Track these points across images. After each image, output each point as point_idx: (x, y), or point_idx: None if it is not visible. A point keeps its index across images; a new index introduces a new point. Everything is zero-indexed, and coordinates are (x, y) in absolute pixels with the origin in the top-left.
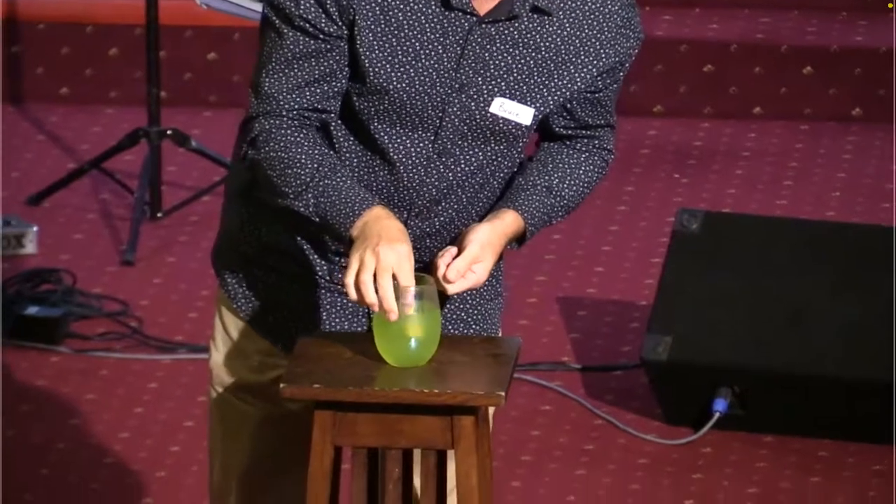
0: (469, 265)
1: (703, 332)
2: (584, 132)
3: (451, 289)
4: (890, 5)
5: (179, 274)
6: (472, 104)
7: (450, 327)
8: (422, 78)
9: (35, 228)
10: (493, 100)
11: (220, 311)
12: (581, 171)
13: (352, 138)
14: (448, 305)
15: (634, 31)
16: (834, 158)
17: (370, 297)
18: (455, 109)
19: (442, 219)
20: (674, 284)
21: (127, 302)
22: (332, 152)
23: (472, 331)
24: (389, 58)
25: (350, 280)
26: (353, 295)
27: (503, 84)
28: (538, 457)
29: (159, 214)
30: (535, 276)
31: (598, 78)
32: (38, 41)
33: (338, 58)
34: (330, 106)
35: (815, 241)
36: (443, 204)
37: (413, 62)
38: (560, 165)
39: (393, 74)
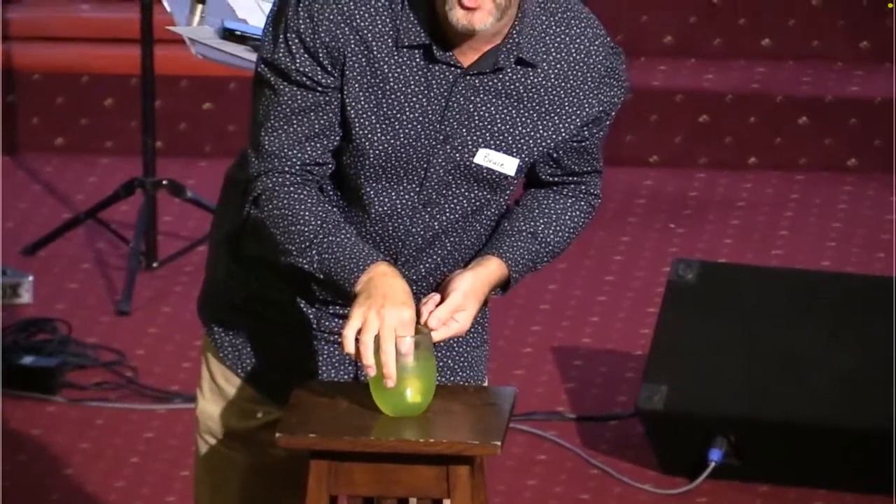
0: (451, 314)
1: (698, 381)
2: (570, 178)
3: (434, 336)
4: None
5: (175, 324)
6: (457, 155)
7: (436, 376)
8: (406, 130)
9: (30, 278)
10: (477, 150)
11: (207, 358)
12: (567, 217)
13: (338, 192)
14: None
15: (619, 80)
16: (829, 208)
17: (369, 360)
18: (440, 161)
19: (427, 265)
20: (669, 334)
21: (122, 351)
22: (335, 209)
23: (458, 378)
24: (375, 109)
25: (350, 334)
26: (349, 349)
27: (487, 135)
28: None
29: (155, 264)
30: (530, 325)
31: (584, 128)
32: (33, 91)
33: (335, 109)
34: (329, 159)
35: (810, 291)
36: (428, 251)
37: (398, 115)
38: (546, 211)
39: (378, 126)
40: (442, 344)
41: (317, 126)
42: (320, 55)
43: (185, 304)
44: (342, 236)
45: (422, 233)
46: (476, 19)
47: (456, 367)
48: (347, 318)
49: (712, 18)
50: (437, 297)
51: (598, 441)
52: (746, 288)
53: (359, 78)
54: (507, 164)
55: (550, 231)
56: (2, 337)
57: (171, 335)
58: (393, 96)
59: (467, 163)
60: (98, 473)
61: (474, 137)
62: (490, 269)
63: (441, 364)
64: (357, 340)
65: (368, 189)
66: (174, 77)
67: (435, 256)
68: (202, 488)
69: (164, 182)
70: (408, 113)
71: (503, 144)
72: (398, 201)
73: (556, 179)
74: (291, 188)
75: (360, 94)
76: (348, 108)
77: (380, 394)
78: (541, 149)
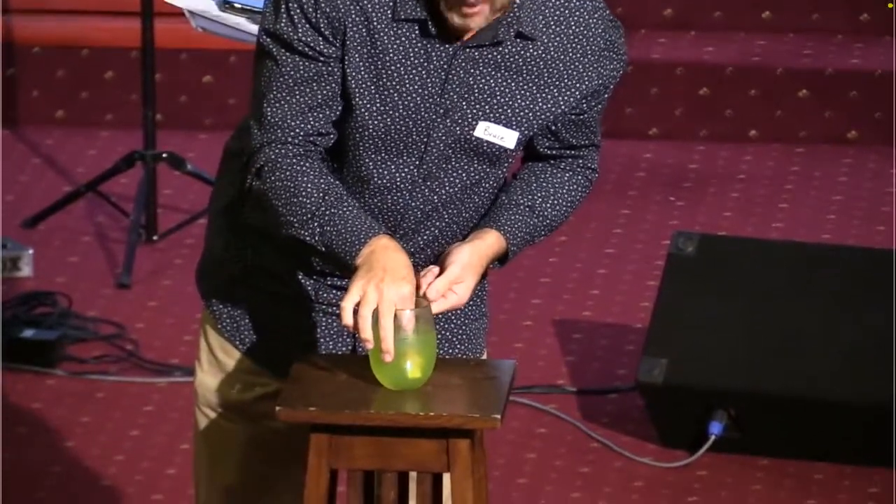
0: (449, 285)
1: (698, 354)
2: (568, 152)
3: (432, 308)
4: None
5: (175, 297)
6: (457, 128)
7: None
8: (405, 102)
9: (30, 251)
10: (477, 123)
11: (206, 331)
12: (564, 191)
13: (335, 165)
14: None
15: (618, 52)
16: (829, 181)
17: (367, 334)
18: (440, 134)
19: (426, 237)
20: (669, 307)
21: (122, 325)
22: (338, 182)
23: (456, 351)
24: (374, 80)
25: (348, 306)
26: (347, 321)
27: (487, 108)
28: (534, 480)
29: (155, 237)
30: (530, 299)
31: (583, 101)
32: (33, 65)
33: (337, 80)
34: (332, 129)
35: (810, 264)
36: (426, 223)
37: (398, 87)
38: (543, 185)
39: (377, 97)
40: (440, 316)
41: (319, 96)
42: (321, 25)
43: (185, 277)
44: (344, 209)
45: (421, 206)
46: (472, 22)
47: (455, 339)
48: (346, 290)
49: None
50: (435, 269)
51: (599, 414)
52: (747, 261)
53: (359, 48)
54: (506, 138)
55: (548, 205)
56: (2, 310)
57: (171, 308)
58: (392, 68)
59: (467, 136)
60: (98, 446)
61: (474, 110)
62: (488, 242)
63: (440, 337)
64: (356, 313)
65: (368, 161)
66: (174, 50)
67: (433, 229)
68: (201, 460)
69: (165, 155)
70: (407, 85)
71: (503, 117)
72: (398, 174)
73: (553, 152)
74: (294, 160)
75: (361, 64)
76: (349, 78)
77: (379, 367)
78: (540, 121)
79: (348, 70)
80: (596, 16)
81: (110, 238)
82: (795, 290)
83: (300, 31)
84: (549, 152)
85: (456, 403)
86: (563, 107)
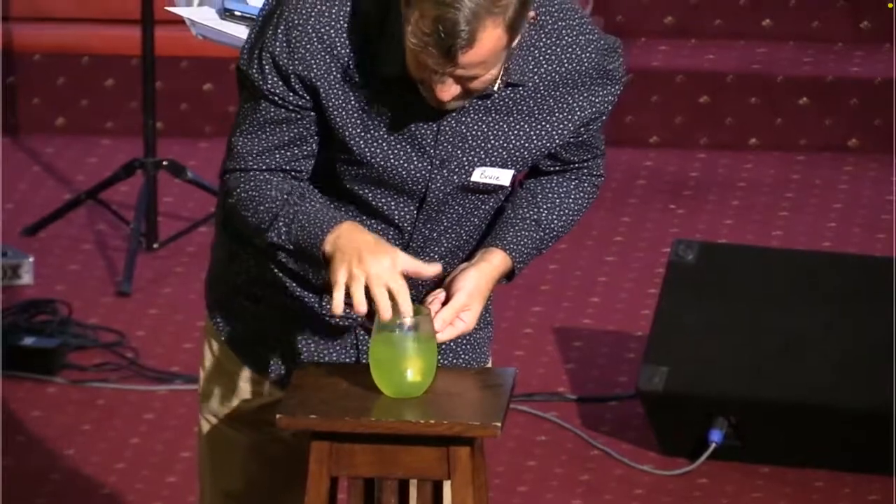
0: (456, 314)
1: (699, 362)
2: (572, 166)
3: (440, 337)
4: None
5: (175, 305)
6: (455, 177)
7: (439, 357)
8: (398, 155)
9: (31, 259)
10: (473, 170)
11: (209, 340)
12: (570, 200)
13: (333, 196)
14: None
15: (612, 78)
16: (830, 189)
17: (363, 304)
18: (438, 185)
19: (441, 249)
20: (670, 315)
21: (123, 332)
22: (304, 184)
23: (461, 360)
24: (363, 134)
25: (338, 296)
26: (338, 310)
27: (483, 153)
28: (534, 487)
29: (155, 245)
30: (530, 306)
31: (580, 129)
32: (33, 72)
33: (307, 124)
34: (300, 166)
35: (810, 272)
36: (426, 249)
37: (391, 141)
38: (549, 196)
39: (375, 150)
40: None
41: (286, 137)
42: (292, 80)
43: (185, 285)
44: (307, 204)
45: (424, 231)
46: (449, 107)
47: (459, 349)
48: (332, 284)
49: None
50: (441, 295)
51: (599, 422)
52: (747, 269)
53: (344, 105)
54: (502, 177)
55: (554, 216)
56: (2, 318)
57: (171, 316)
58: (379, 120)
59: (465, 182)
60: (98, 454)
61: (470, 157)
62: (494, 264)
63: (444, 347)
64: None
65: (368, 195)
66: (175, 58)
67: (434, 255)
68: (205, 466)
69: (165, 163)
70: (401, 142)
71: (498, 160)
72: (396, 211)
73: (557, 168)
74: (259, 174)
75: (348, 120)
76: (338, 130)
77: (380, 374)
78: (535, 157)
79: (336, 125)
80: (589, 49)
81: (111, 246)
82: (796, 298)
83: (269, 82)
84: (552, 169)
85: (456, 411)
86: (557, 140)
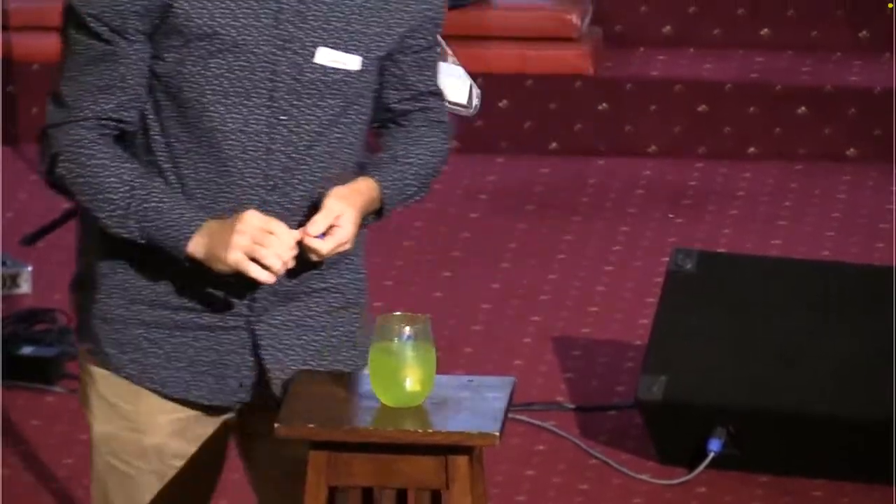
0: (329, 220)
1: (697, 371)
2: (416, 104)
3: (323, 248)
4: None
5: None
6: (298, 58)
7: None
8: (243, 38)
9: (29, 268)
10: (316, 50)
11: (93, 379)
12: (424, 141)
13: (184, 136)
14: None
15: None
16: (828, 198)
17: (278, 267)
18: (284, 68)
19: (300, 191)
20: (668, 324)
21: None
22: (136, 166)
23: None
24: (209, 21)
25: (255, 268)
26: (269, 277)
27: (324, 33)
28: (533, 497)
29: None
30: (529, 316)
31: (412, 33)
32: (33, 81)
33: (132, 65)
34: (127, 117)
35: (809, 281)
36: (296, 173)
37: (232, 23)
38: (400, 139)
39: (214, 38)
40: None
41: (109, 78)
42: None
43: None
44: (156, 201)
45: (282, 149)
46: None
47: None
48: (230, 274)
49: (711, 8)
50: (317, 216)
51: (598, 431)
52: (746, 278)
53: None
54: (349, 62)
55: (410, 153)
56: (1, 327)
57: None
58: (223, 6)
59: (310, 65)
60: None
61: (311, 38)
62: (358, 183)
63: (325, 344)
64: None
65: (219, 108)
66: None
67: (306, 183)
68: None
69: None
70: (241, 20)
71: (340, 41)
72: (250, 117)
73: (404, 106)
74: (93, 147)
75: (190, 10)
76: (182, 20)
77: (379, 383)
78: (376, 46)
79: (187, 13)
80: None
81: None
82: (795, 307)
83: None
84: (398, 106)
85: (455, 420)
86: (393, 34)
